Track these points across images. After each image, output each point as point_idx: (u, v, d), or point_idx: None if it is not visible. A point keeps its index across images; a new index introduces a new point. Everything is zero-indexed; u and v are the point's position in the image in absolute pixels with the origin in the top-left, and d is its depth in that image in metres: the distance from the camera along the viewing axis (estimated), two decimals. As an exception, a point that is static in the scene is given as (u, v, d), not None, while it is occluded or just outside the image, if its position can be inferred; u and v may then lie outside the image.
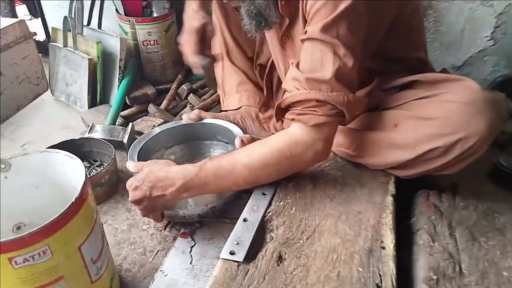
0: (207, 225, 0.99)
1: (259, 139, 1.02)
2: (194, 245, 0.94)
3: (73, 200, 0.63)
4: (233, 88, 1.28)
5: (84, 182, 0.66)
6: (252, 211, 0.79)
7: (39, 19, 1.99)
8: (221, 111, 1.32)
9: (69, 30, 1.40)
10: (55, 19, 1.74)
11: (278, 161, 0.79)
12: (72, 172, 0.74)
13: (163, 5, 1.48)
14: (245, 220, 0.77)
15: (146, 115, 1.41)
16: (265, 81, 1.21)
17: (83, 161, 1.14)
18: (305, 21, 0.82)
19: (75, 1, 1.36)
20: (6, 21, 1.72)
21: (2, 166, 0.72)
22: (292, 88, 0.79)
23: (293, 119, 0.80)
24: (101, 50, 1.35)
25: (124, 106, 1.37)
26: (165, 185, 0.82)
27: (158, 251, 0.94)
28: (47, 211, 0.80)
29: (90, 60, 1.34)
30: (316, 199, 0.82)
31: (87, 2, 1.44)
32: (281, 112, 0.84)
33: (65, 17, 1.37)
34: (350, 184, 0.86)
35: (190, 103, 1.42)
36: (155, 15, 1.46)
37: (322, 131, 0.78)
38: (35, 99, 1.80)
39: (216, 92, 1.40)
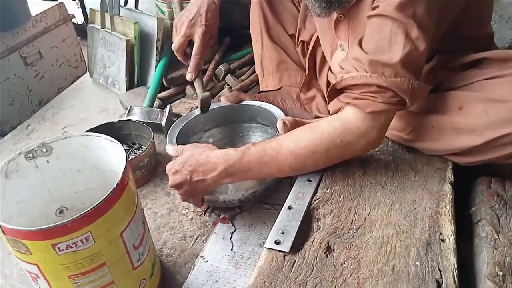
0: (248, 210, 0.96)
1: (302, 121, 0.97)
2: (235, 231, 0.91)
3: (114, 185, 0.60)
4: (273, 67, 1.22)
5: (125, 167, 0.64)
6: (297, 199, 0.74)
7: (77, 1, 1.99)
8: (260, 91, 1.28)
9: (107, 11, 1.38)
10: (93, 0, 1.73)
11: (327, 148, 0.74)
12: (113, 157, 0.72)
13: (200, -19, 1.42)
14: (290, 207, 0.73)
15: (183, 97, 1.39)
16: (308, 60, 1.14)
17: (122, 144, 1.15)
18: None
19: (112, -19, 1.33)
20: (46, 4, 1.73)
21: (44, 150, 0.71)
22: (351, 69, 0.72)
23: (348, 103, 0.74)
24: (138, 31, 1.33)
25: (162, 88, 1.35)
26: (206, 169, 0.79)
27: (198, 236, 0.92)
28: (89, 195, 0.79)
29: (127, 41, 1.32)
30: (366, 187, 0.77)
31: (123, -18, 1.41)
32: (334, 94, 0.78)
33: (102, -2, 1.36)
34: (403, 170, 0.80)
35: (228, 84, 1.38)
36: (192, -8, 1.41)
37: (378, 119, 0.72)
38: (74, 81, 1.82)
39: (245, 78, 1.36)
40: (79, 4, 1.80)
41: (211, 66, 1.41)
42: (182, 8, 1.16)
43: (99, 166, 0.75)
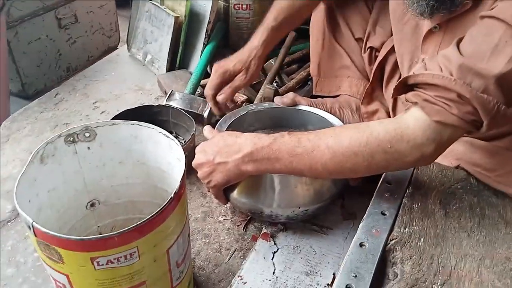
0: (292, 229, 0.85)
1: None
2: (277, 251, 0.81)
3: (172, 195, 0.50)
4: (333, 71, 1.10)
5: (184, 173, 0.53)
6: (370, 235, 0.63)
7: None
8: (312, 95, 1.16)
9: (157, -18, 1.27)
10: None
11: (372, 152, 0.62)
12: (164, 153, 0.62)
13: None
14: (361, 245, 0.62)
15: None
16: (375, 69, 1.02)
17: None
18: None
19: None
20: (87, -35, 1.62)
21: (87, 134, 0.60)
22: (435, 66, 0.60)
23: (415, 103, 0.62)
24: (189, 8, 1.21)
25: (205, 75, 1.23)
26: (230, 150, 0.71)
27: (235, 250, 0.82)
28: (126, 190, 0.69)
29: (176, 18, 1.21)
30: (449, 231, 0.65)
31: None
32: (403, 89, 0.66)
33: (155, -33, 1.24)
34: (491, 218, 0.68)
35: (276, 80, 1.26)
36: (252, -25, 1.29)
37: (442, 133, 0.60)
38: (106, 52, 1.72)
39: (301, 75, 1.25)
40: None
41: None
42: None
43: (144, 161, 0.65)
